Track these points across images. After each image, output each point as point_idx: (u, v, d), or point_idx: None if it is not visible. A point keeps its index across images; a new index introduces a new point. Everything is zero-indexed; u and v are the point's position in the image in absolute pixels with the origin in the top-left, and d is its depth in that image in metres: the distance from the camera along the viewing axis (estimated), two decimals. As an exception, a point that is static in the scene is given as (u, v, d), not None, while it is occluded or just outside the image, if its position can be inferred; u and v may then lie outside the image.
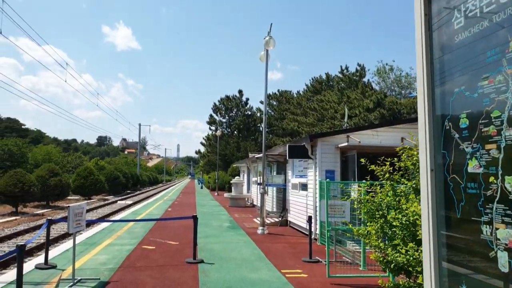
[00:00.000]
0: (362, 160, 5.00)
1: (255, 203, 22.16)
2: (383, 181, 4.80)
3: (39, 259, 8.00)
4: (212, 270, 7.38)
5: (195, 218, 8.18)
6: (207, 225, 13.93)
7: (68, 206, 6.04)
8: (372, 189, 4.83)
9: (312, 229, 9.06)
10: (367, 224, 4.69)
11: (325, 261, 7.45)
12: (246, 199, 23.60)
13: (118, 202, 31.12)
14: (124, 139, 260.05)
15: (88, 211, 22.61)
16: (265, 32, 12.81)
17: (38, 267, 7.13)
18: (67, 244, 9.95)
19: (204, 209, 20.80)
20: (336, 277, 6.98)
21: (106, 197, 37.07)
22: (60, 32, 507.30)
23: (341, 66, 45.71)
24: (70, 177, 37.69)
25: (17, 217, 18.70)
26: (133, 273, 7.02)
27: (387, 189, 4.64)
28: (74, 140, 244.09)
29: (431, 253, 2.12)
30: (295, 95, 56.55)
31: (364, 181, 7.45)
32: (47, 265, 7.18)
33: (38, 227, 15.49)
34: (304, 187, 12.39)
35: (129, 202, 30.86)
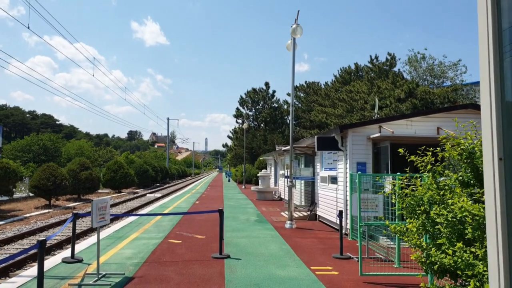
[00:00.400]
0: (401, 150, 4.56)
1: (282, 196, 21.84)
2: (423, 173, 4.37)
3: (67, 252, 7.98)
4: (238, 266, 7.12)
5: (220, 212, 7.93)
6: (234, 219, 13.74)
7: (92, 200, 5.90)
8: (412, 182, 4.40)
9: (343, 224, 8.66)
10: (406, 221, 4.27)
11: (357, 258, 7.07)
12: (274, 192, 23.31)
13: (147, 195, 31.53)
14: (154, 133, 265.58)
15: (117, 204, 22.93)
16: (292, 23, 12.39)
17: (65, 260, 7.09)
18: (95, 237, 9.94)
19: (231, 202, 20.67)
20: (369, 275, 6.59)
21: (135, 190, 37.69)
22: (91, 29, 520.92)
23: (370, 56, 44.56)
24: (100, 171, 38.57)
25: (50, 210, 19.14)
26: (158, 269, 6.86)
27: (428, 182, 4.20)
28: (106, 135, 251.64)
29: (499, 261, 1.73)
30: (323, 87, 55.71)
31: (399, 173, 6.98)
32: (73, 259, 7.13)
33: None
34: (333, 180, 11.96)
35: (158, 195, 31.20)
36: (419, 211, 4.06)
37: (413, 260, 4.08)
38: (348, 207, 10.24)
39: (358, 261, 6.87)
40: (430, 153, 4.32)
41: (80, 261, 7.13)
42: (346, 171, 10.75)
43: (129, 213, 17.51)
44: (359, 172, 9.72)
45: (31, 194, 23.13)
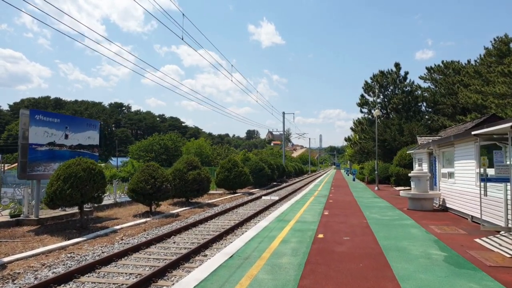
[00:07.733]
0: None
1: (448, 205, 15.17)
2: None
3: None
4: None
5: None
6: (402, 253, 7.94)
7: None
8: None
9: None
10: None
11: None
12: (435, 200, 16.68)
13: (263, 197, 27.24)
14: (270, 132, 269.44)
15: (226, 211, 18.83)
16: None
17: None
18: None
19: (373, 213, 14.79)
20: None
21: (251, 191, 33.99)
22: (212, 35, 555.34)
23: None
24: (214, 170, 35.82)
25: (148, 219, 15.72)
26: None
27: None
28: (227, 135, 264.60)
29: None
30: (464, 65, 45.84)
31: None
32: None
33: (159, 239, 11.78)
34: None
35: (274, 197, 26.70)
36: None
37: None
38: None
39: None
40: None
41: None
42: None
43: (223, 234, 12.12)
44: None
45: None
